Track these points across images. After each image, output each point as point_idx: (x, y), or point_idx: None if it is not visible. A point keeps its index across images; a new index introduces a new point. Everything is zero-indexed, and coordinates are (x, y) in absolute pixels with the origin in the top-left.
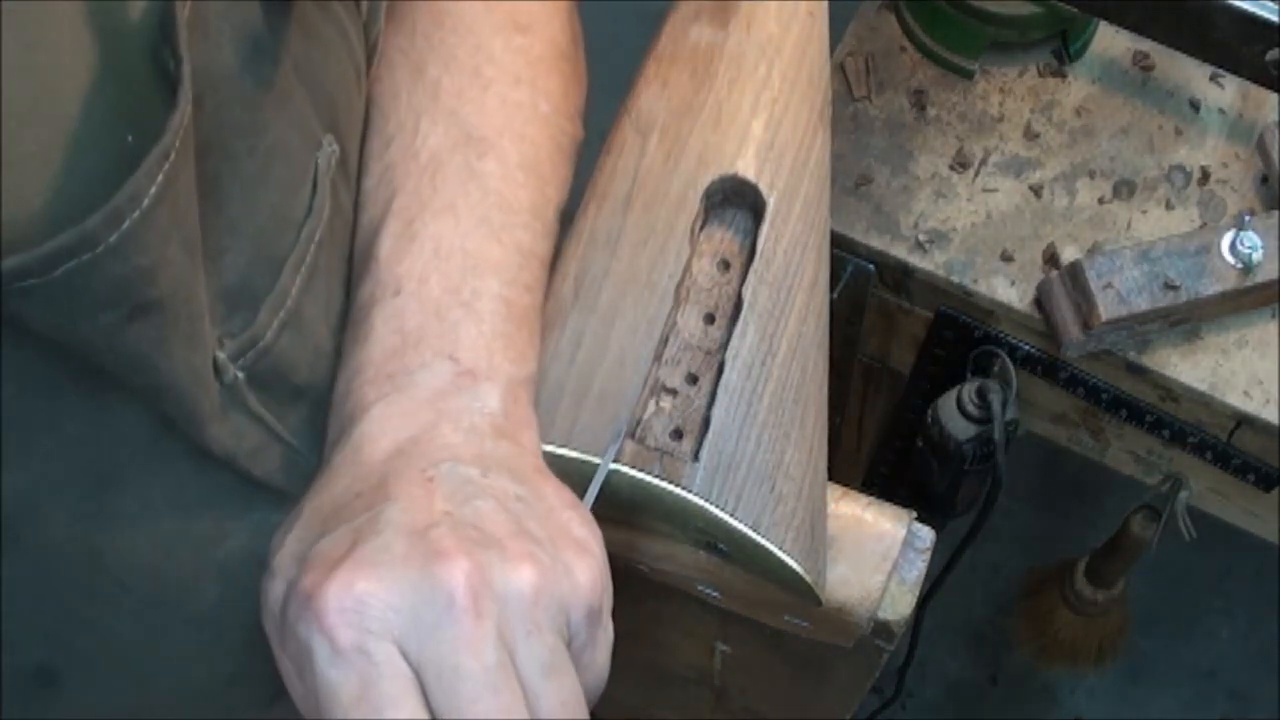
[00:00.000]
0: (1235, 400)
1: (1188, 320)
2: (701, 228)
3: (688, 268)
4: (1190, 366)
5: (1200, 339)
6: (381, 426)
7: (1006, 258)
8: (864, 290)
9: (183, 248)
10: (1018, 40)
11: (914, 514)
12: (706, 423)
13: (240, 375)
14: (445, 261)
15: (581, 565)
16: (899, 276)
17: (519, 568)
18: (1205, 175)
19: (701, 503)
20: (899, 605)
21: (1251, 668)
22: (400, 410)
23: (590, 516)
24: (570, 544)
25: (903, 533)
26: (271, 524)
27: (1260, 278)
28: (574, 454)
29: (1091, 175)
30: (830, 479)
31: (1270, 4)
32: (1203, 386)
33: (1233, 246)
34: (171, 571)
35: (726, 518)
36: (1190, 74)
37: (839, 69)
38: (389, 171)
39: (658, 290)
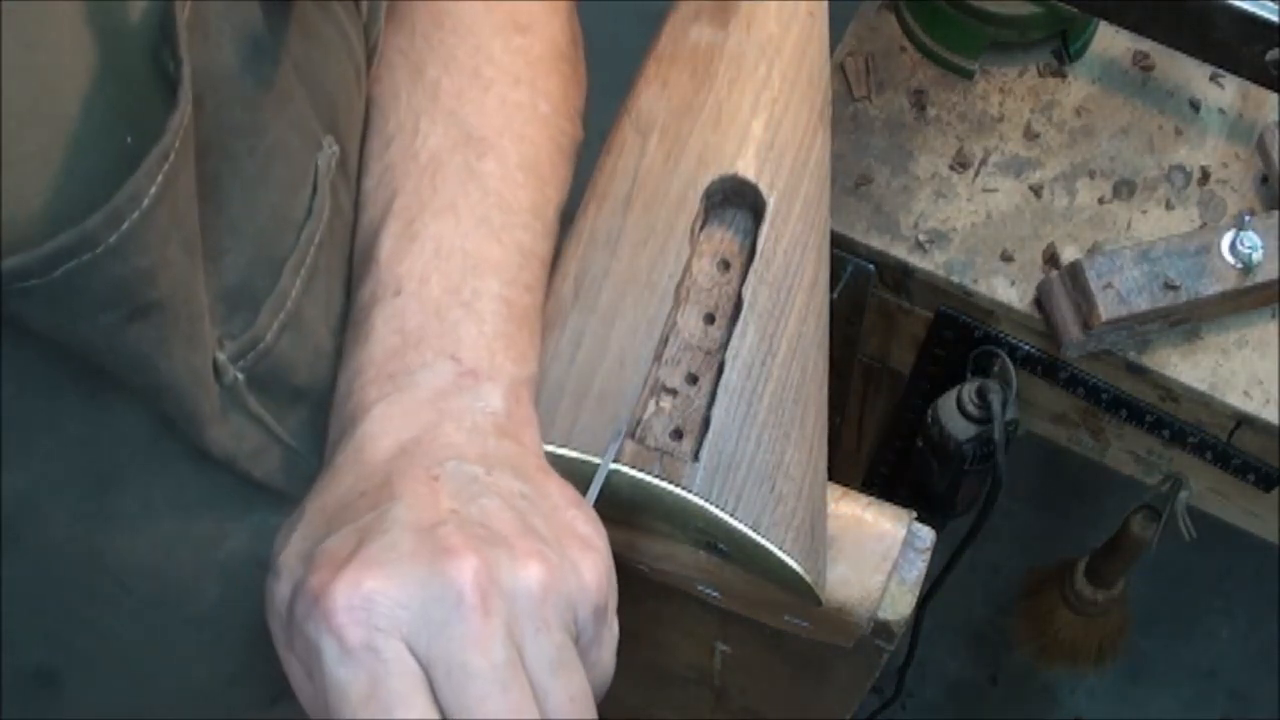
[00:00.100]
0: (1235, 400)
1: (1188, 320)
2: (701, 228)
3: (688, 268)
4: (1190, 366)
5: (1200, 339)
6: (383, 426)
7: (1006, 258)
8: (864, 290)
9: (183, 248)
10: (1018, 40)
11: (914, 514)
12: (706, 423)
13: (240, 376)
14: (445, 261)
15: (588, 563)
16: (899, 276)
17: (527, 565)
18: (1205, 175)
19: (701, 503)
20: (899, 605)
21: (1251, 668)
22: (402, 410)
23: (594, 514)
24: (576, 542)
25: (903, 533)
26: (271, 525)
27: (1260, 278)
28: (574, 454)
29: (1091, 175)
30: (830, 479)
31: (1270, 4)
32: (1203, 386)
33: (1233, 246)
34: (172, 572)
35: (726, 518)
36: (1190, 74)
37: (839, 69)
38: (389, 172)
39: (658, 290)
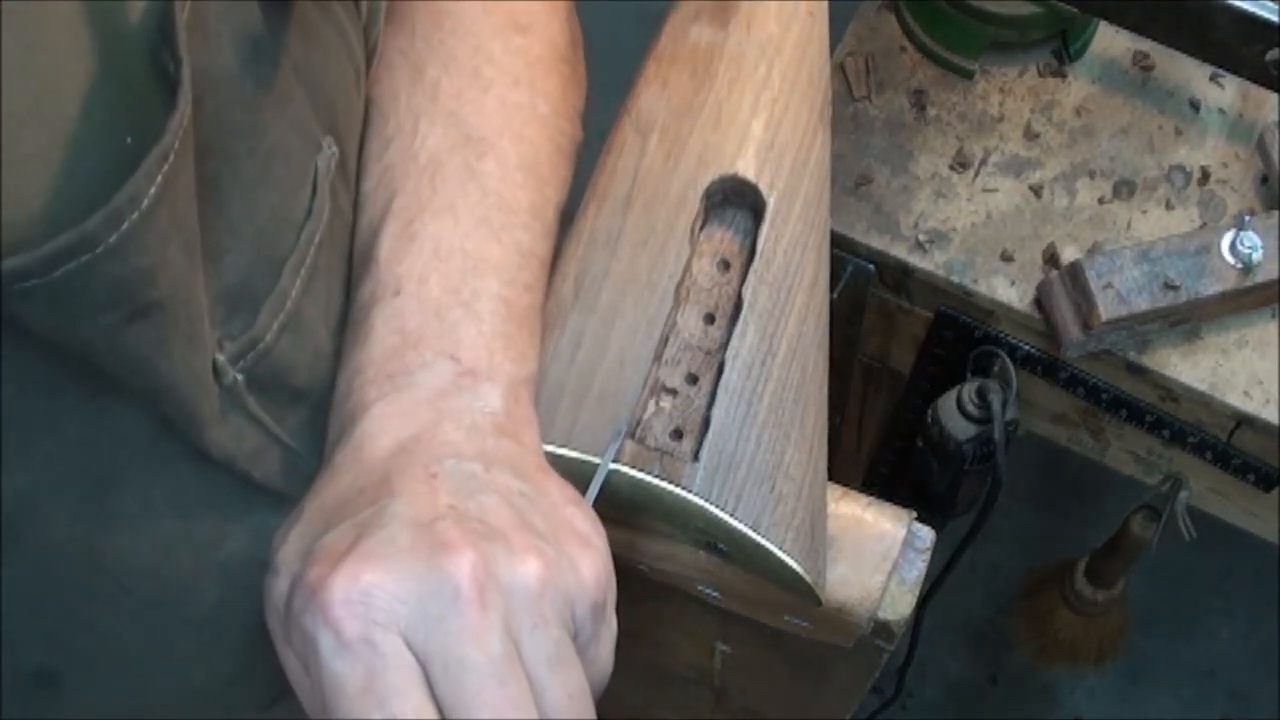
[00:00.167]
0: (1235, 400)
1: (1188, 320)
2: (701, 228)
3: (688, 268)
4: (1190, 366)
5: (1200, 339)
6: (383, 425)
7: (1006, 258)
8: (864, 290)
9: (182, 249)
10: (1018, 40)
11: (914, 514)
12: (706, 423)
13: (240, 377)
14: (445, 262)
15: (586, 560)
16: (899, 276)
17: (525, 560)
18: (1205, 175)
19: (701, 503)
20: (899, 605)
21: (1251, 668)
22: (401, 409)
23: (593, 513)
24: (574, 539)
25: (903, 533)
26: (271, 526)
27: (1260, 278)
28: (574, 454)
29: (1091, 175)
30: (830, 479)
31: (1270, 4)
32: (1203, 386)
33: (1233, 246)
34: (171, 573)
35: (726, 518)
36: (1190, 74)
37: (839, 69)
38: (388, 173)
39: (658, 290)
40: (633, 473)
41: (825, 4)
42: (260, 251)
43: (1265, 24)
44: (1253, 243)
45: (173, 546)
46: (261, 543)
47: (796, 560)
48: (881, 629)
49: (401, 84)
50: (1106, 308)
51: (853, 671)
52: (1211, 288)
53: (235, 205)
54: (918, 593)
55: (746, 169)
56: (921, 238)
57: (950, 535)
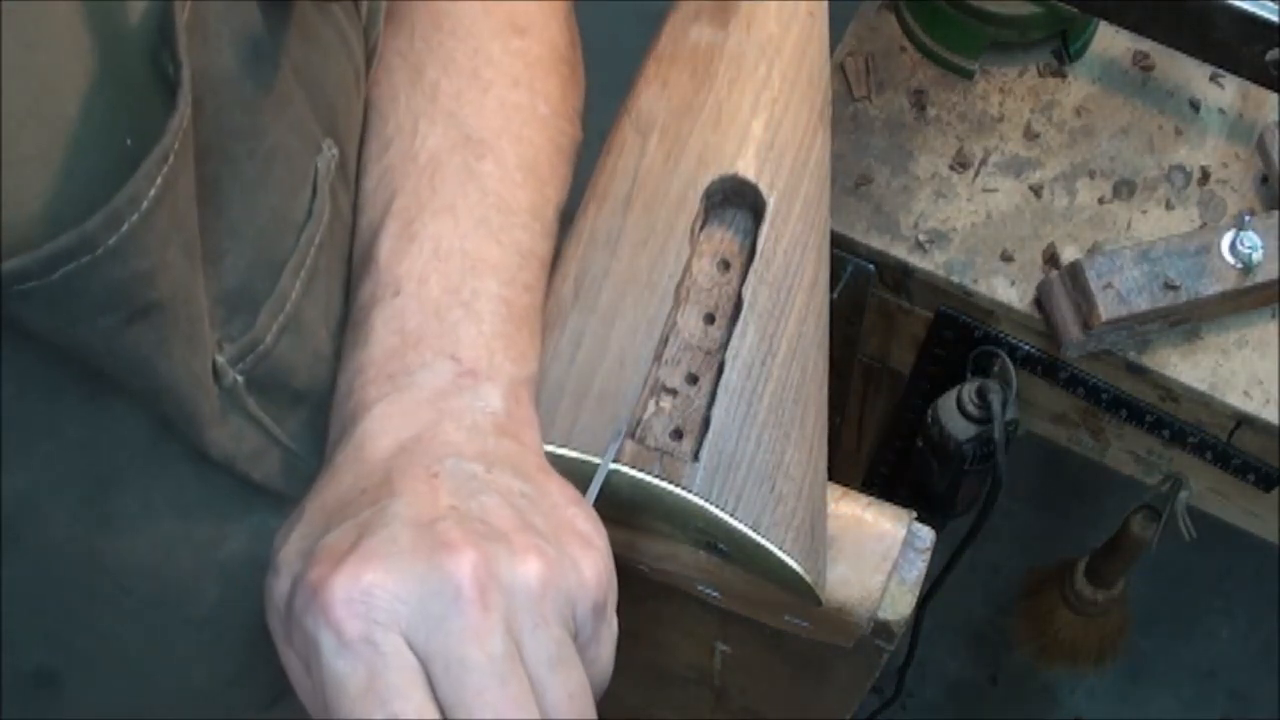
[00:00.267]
0: (1235, 400)
1: (1188, 320)
2: (701, 228)
3: (688, 268)
4: (1190, 366)
5: (1200, 339)
6: (383, 425)
7: (1006, 258)
8: (864, 290)
9: (182, 251)
10: (1018, 40)
11: (914, 514)
12: (706, 423)
13: (239, 379)
14: (444, 262)
15: (587, 560)
16: (899, 276)
17: (526, 560)
18: (1205, 175)
19: (701, 503)
20: (899, 605)
21: (1251, 668)
22: (402, 409)
23: (594, 513)
24: (575, 539)
25: (903, 533)
26: (271, 527)
27: (1260, 278)
28: (574, 454)
29: (1091, 175)
30: (830, 479)
31: (1270, 4)
32: (1203, 386)
33: (1233, 246)
34: (171, 573)
35: (726, 518)
36: (1190, 74)
37: (839, 69)
38: (388, 173)
39: (658, 290)
40: (633, 473)
41: (825, 4)
42: (260, 253)
43: (1265, 24)
44: (1253, 243)
45: (173, 547)
46: (261, 543)
47: (796, 560)
48: (881, 629)
49: (401, 85)
50: (1106, 308)
51: (853, 671)
52: (1211, 288)
53: (235, 207)
54: (918, 593)
55: (746, 169)
56: (921, 238)
57: (950, 535)
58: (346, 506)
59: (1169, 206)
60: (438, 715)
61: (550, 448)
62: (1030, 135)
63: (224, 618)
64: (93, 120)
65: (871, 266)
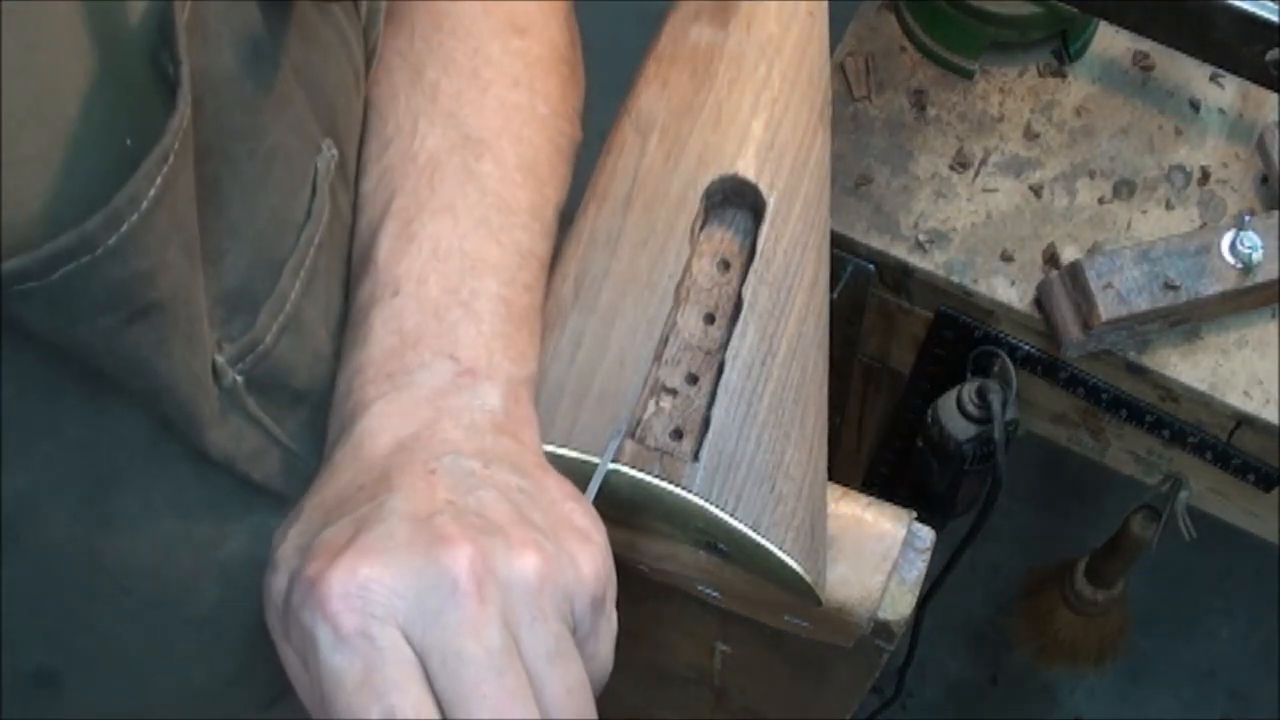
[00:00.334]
0: (1235, 400)
1: (1188, 320)
2: (701, 228)
3: (688, 268)
4: (1190, 366)
5: (1200, 339)
6: (382, 423)
7: (1006, 258)
8: (864, 290)
9: (182, 251)
10: (1018, 40)
11: (914, 514)
12: (706, 423)
13: (239, 379)
14: (444, 262)
15: (585, 555)
16: (899, 276)
17: (523, 554)
18: (1205, 175)
19: (701, 503)
20: (899, 605)
21: (1251, 668)
22: (401, 408)
23: (593, 509)
24: (573, 534)
25: (903, 533)
26: (271, 527)
27: (1260, 278)
28: (574, 454)
29: (1091, 175)
30: (830, 479)
31: (1270, 4)
32: (1203, 386)
33: (1233, 246)
34: (171, 573)
35: (726, 518)
36: (1190, 74)
37: (839, 69)
38: (387, 173)
39: (658, 290)
40: (633, 473)
41: (825, 4)
42: (260, 253)
43: (1265, 24)
44: (1253, 243)
45: (172, 547)
46: (261, 543)
47: (796, 560)
48: (881, 629)
49: (400, 85)
50: (1106, 308)
51: (853, 671)
52: (1211, 288)
53: (235, 207)
54: (918, 593)
55: (746, 169)
56: (921, 238)
57: (950, 535)
58: (344, 503)
59: (1169, 206)
60: (435, 709)
61: (550, 447)
62: (1030, 135)
63: (224, 618)
64: (92, 120)
65: (871, 266)
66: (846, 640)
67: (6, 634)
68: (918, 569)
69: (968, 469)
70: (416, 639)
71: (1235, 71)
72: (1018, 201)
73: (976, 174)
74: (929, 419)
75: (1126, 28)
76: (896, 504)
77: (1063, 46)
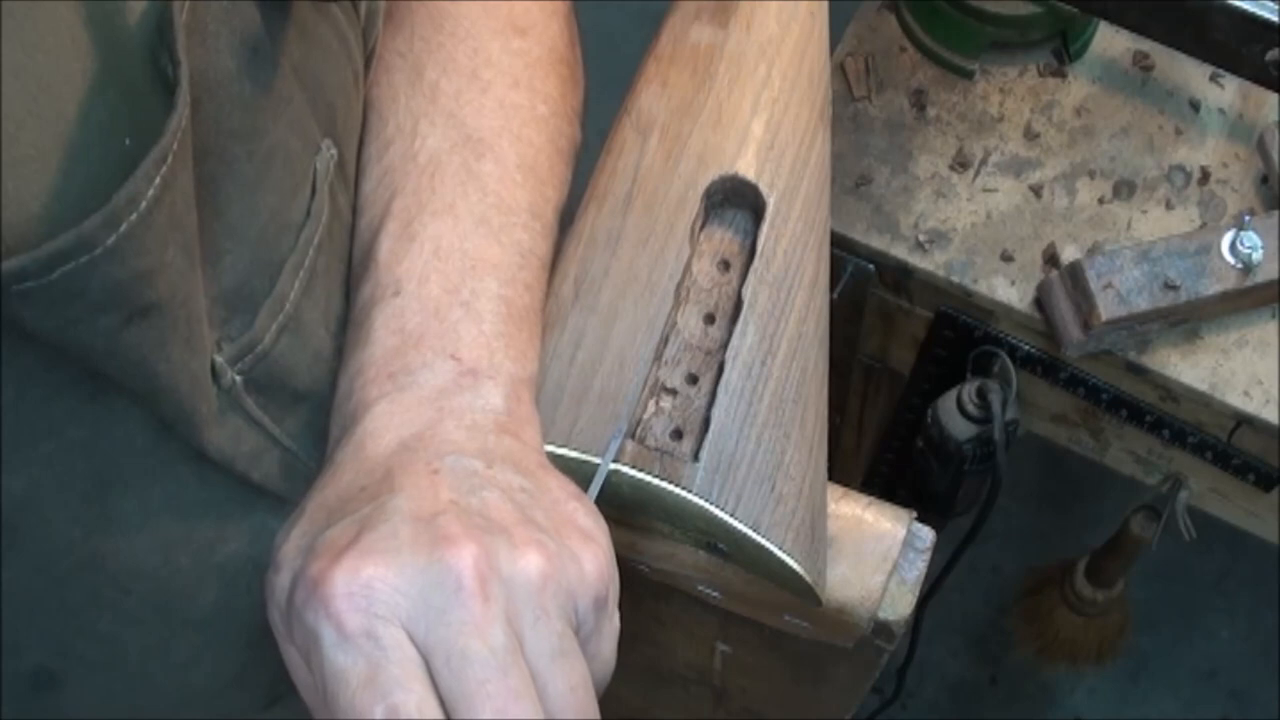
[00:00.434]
0: (1235, 400)
1: (1188, 320)
2: (701, 228)
3: (688, 268)
4: (1190, 366)
5: (1200, 339)
6: (385, 423)
7: (1006, 258)
8: (864, 290)
9: (181, 251)
10: (1018, 40)
11: (914, 514)
12: (706, 423)
13: (238, 379)
14: (444, 262)
15: (588, 554)
16: (899, 276)
17: (526, 554)
18: (1205, 175)
19: (701, 503)
20: (899, 605)
21: (1251, 668)
22: (403, 408)
23: (595, 508)
24: (576, 534)
25: (903, 533)
26: (270, 528)
27: (1260, 278)
28: (574, 454)
29: (1091, 175)
30: (830, 479)
31: (1270, 4)
32: (1203, 386)
33: (1233, 246)
34: (171, 574)
35: (726, 518)
36: (1190, 74)
37: (839, 69)
38: (388, 174)
39: (658, 290)
40: (633, 473)
41: (825, 4)
42: (259, 253)
43: (1265, 24)
44: (1253, 243)
45: (172, 548)
46: (260, 544)
47: (796, 560)
48: (881, 629)
49: (400, 86)
50: (1106, 308)
51: (853, 671)
52: (1211, 288)
53: (234, 207)
54: (918, 593)
55: (746, 169)
56: (921, 238)
57: (950, 535)
58: (347, 503)
59: (1169, 206)
60: (438, 708)
61: (550, 448)
62: (1030, 135)
63: (223, 618)
64: (91, 120)
65: (871, 266)
66: (846, 640)
67: (6, 634)
68: (918, 569)
69: (968, 469)
70: (420, 638)
71: (1235, 71)
72: (1018, 201)
73: (976, 174)
74: (929, 419)
75: (1126, 28)
76: (896, 504)
77: (1063, 46)
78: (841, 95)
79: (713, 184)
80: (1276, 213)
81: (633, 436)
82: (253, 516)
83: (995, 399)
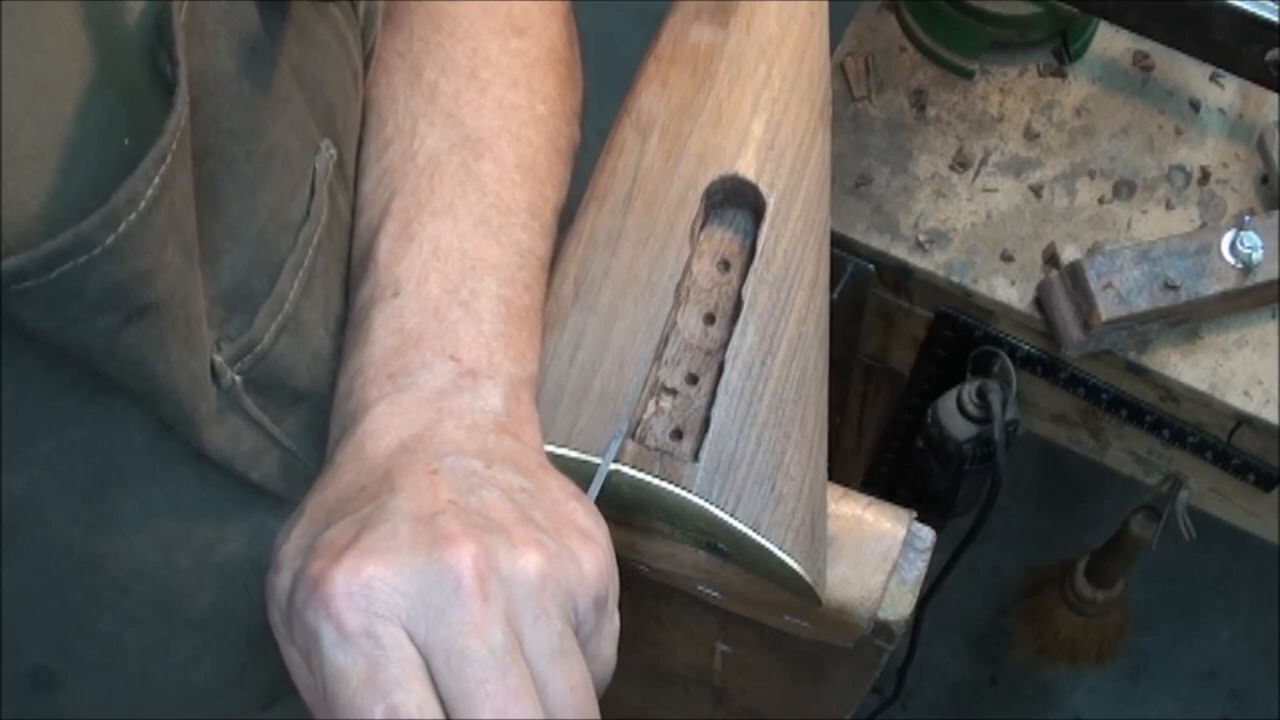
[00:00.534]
0: (1235, 400)
1: (1188, 320)
2: (701, 228)
3: (688, 268)
4: (1190, 366)
5: (1200, 339)
6: (384, 424)
7: (1006, 258)
8: (864, 290)
9: (180, 251)
10: (1018, 40)
11: (914, 514)
12: (706, 423)
13: (238, 379)
14: (444, 262)
15: (587, 554)
16: (899, 276)
17: (525, 553)
18: (1205, 175)
19: (701, 503)
20: (899, 605)
21: (1251, 668)
22: (403, 408)
23: (595, 508)
24: (576, 533)
25: (903, 533)
26: (270, 528)
27: (1260, 278)
28: (574, 454)
29: (1091, 175)
30: (830, 479)
31: (1270, 4)
32: (1203, 386)
33: (1233, 246)
34: (171, 574)
35: (726, 518)
36: (1190, 74)
37: (839, 69)
38: (387, 174)
39: (658, 290)
40: (633, 473)
41: (825, 4)
42: (258, 253)
43: (1265, 24)
44: (1253, 243)
45: (172, 548)
46: (260, 544)
47: (796, 560)
48: (881, 629)
49: (399, 86)
50: (1106, 308)
51: (853, 671)
52: (1211, 288)
53: (233, 207)
54: (918, 593)
55: (746, 169)
56: (921, 238)
57: (950, 535)
58: (347, 503)
59: (1169, 206)
60: (438, 708)
61: (550, 448)
62: (1030, 135)
63: (222, 619)
64: (90, 120)
65: (871, 266)
66: (846, 640)
67: (6, 634)
68: (918, 569)
69: (968, 469)
70: (420, 638)
71: (1235, 71)
72: (1018, 201)
73: (976, 174)
74: (929, 419)
75: (1126, 28)
76: (896, 504)
77: (1063, 46)
78: (841, 95)
79: (713, 184)
80: (1276, 213)
81: (633, 436)
82: (252, 516)
83: (995, 399)
